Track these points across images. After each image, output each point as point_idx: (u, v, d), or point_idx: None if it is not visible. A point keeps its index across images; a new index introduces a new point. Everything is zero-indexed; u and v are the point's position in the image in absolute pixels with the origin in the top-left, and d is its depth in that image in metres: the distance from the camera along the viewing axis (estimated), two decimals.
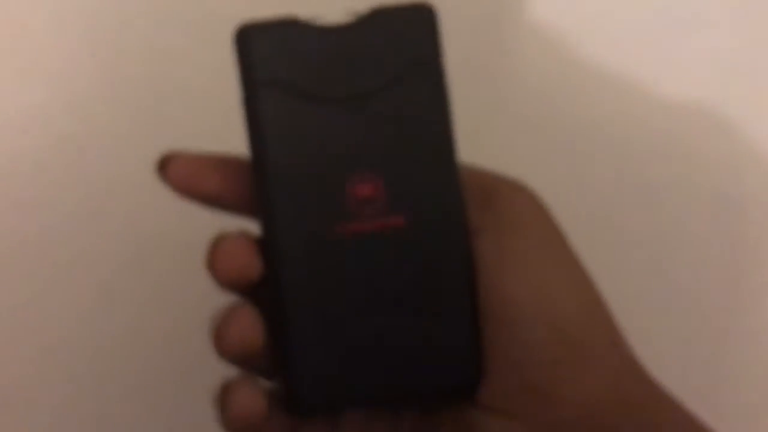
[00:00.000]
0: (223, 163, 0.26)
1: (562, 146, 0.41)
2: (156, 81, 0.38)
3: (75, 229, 0.38)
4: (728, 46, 0.41)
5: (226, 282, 0.25)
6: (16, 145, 0.37)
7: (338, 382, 0.25)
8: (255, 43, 0.25)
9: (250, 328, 0.25)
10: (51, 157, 0.37)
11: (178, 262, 0.37)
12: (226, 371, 0.26)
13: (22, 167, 0.37)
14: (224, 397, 0.25)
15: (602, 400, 0.25)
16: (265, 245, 0.25)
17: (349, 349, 0.25)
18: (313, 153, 0.25)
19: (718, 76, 0.41)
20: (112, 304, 0.38)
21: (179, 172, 0.26)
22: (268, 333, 0.25)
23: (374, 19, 0.25)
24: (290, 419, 0.26)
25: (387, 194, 0.25)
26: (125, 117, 0.38)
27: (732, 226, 0.42)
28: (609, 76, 0.41)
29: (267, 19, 0.25)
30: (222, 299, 0.26)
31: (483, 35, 0.40)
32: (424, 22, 0.26)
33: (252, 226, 0.26)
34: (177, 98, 0.38)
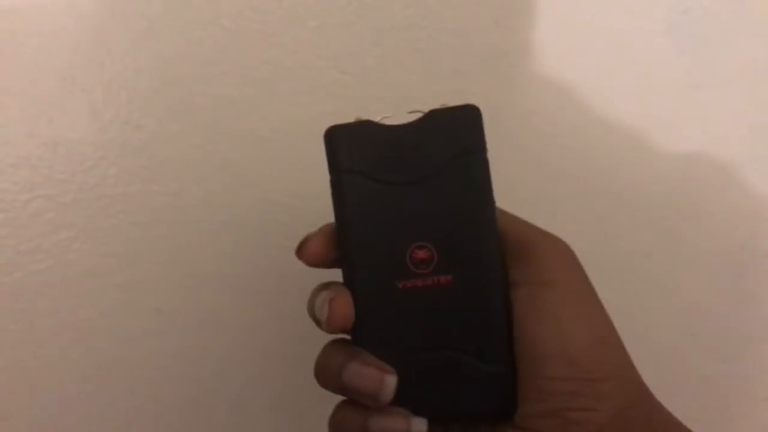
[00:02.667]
0: (326, 234, 0.33)
1: (583, 194, 0.45)
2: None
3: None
4: (744, 103, 0.45)
5: (333, 329, 0.32)
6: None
7: (403, 402, 0.32)
8: (339, 141, 0.32)
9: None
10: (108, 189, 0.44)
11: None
12: None
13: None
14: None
15: (611, 424, 0.30)
16: None
17: (410, 376, 0.32)
18: (383, 223, 0.32)
19: (735, 132, 0.45)
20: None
21: (310, 251, 0.33)
22: None
23: (431, 118, 0.32)
24: None
25: (439, 258, 0.32)
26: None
27: (746, 277, 0.46)
28: (629, 131, 0.45)
29: (348, 122, 0.32)
30: None
31: (517, 96, 0.45)
32: (472, 120, 0.32)
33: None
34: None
